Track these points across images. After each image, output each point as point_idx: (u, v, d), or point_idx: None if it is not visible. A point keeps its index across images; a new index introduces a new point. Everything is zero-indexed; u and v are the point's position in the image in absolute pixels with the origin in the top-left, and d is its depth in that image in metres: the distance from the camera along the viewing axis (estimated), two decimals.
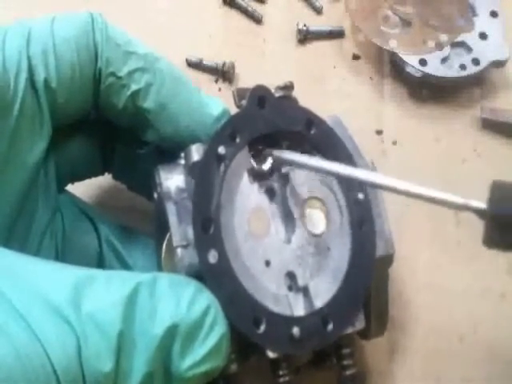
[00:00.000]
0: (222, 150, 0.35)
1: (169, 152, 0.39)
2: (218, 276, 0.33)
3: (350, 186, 0.39)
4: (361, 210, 0.39)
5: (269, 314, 0.34)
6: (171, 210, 0.35)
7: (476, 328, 0.49)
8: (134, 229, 0.44)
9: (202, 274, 0.33)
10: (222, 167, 0.35)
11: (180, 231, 0.34)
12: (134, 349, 0.29)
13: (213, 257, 0.33)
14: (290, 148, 0.39)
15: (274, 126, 0.38)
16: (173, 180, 0.37)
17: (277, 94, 0.39)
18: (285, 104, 0.39)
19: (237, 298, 0.33)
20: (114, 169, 0.44)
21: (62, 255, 0.39)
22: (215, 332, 0.31)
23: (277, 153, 0.37)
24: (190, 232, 0.34)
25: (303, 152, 0.39)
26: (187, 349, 0.30)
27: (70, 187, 0.44)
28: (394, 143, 0.55)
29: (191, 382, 0.31)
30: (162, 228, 0.36)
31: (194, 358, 0.30)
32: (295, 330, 0.34)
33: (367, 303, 0.40)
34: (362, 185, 0.39)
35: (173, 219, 0.35)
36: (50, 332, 0.26)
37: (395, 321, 0.49)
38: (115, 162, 0.43)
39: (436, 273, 0.51)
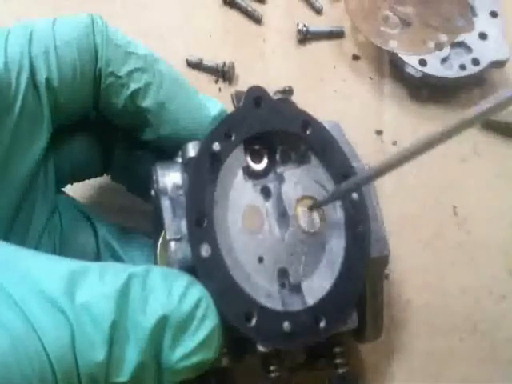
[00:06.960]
0: (216, 146, 0.36)
1: (167, 153, 0.39)
2: (210, 269, 0.33)
3: None
4: (356, 210, 0.39)
5: (260, 308, 0.34)
6: (166, 205, 0.36)
7: (476, 328, 0.49)
8: (132, 229, 0.44)
9: (195, 267, 0.33)
10: (216, 164, 0.36)
11: (174, 225, 0.35)
12: (126, 339, 0.29)
13: (205, 250, 0.34)
14: (286, 149, 0.39)
15: (269, 125, 0.38)
16: (170, 177, 0.37)
17: (275, 97, 0.39)
18: (281, 105, 0.39)
19: (228, 292, 0.33)
20: (113, 170, 0.44)
21: (59, 255, 0.39)
22: (206, 325, 0.31)
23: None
24: (184, 226, 0.34)
25: (298, 153, 0.40)
26: (178, 341, 0.31)
27: (69, 186, 0.44)
28: (394, 143, 0.55)
29: (182, 374, 0.31)
30: (159, 225, 0.36)
31: (185, 350, 0.31)
32: (286, 325, 0.34)
33: (363, 305, 0.40)
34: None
35: (167, 213, 0.35)
36: (45, 321, 0.27)
37: (395, 321, 0.49)
38: (114, 164, 0.43)
39: (436, 273, 0.51)
